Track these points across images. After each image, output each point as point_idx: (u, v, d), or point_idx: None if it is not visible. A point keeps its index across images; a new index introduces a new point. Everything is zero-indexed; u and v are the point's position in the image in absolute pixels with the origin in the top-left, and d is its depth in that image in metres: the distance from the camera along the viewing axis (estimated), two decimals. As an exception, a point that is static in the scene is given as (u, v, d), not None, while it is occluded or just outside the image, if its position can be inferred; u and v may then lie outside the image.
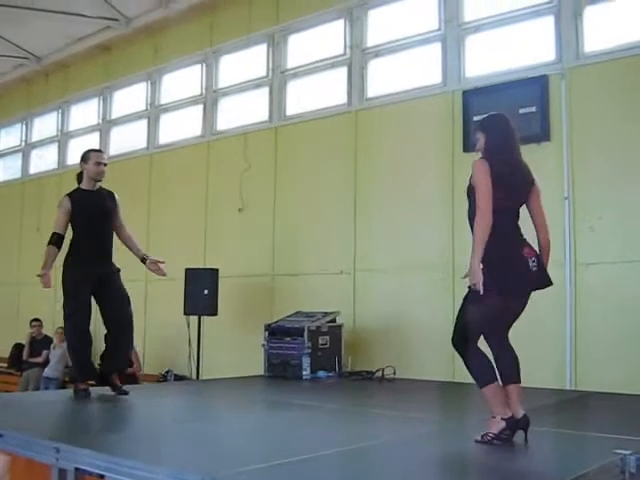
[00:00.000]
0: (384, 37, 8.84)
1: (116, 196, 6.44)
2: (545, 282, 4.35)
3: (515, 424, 4.01)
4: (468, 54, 8.11)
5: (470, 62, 8.09)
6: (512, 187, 4.27)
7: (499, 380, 4.11)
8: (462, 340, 4.23)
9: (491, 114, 4.57)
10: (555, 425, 4.93)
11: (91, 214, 6.15)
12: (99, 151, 6.50)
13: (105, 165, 6.33)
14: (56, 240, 6.09)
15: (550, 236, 4.43)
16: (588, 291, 6.99)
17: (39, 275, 5.96)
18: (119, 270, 6.34)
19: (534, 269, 4.19)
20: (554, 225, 7.10)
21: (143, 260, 6.43)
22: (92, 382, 6.24)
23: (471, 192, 4.27)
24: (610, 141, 7.07)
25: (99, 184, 6.33)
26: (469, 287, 4.18)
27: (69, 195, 6.21)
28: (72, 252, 6.11)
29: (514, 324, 4.35)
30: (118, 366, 6.38)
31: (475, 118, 7.74)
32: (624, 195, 6.99)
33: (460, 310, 4.33)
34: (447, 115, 8.06)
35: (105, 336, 6.26)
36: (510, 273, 4.13)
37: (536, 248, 4.32)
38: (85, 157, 6.31)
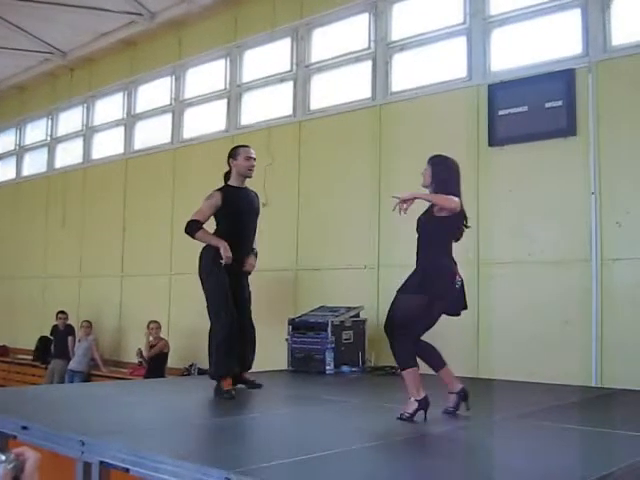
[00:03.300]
0: (409, 31, 8.78)
1: (260, 198, 6.42)
2: (462, 304, 5.02)
3: (426, 404, 4.64)
4: (494, 48, 8.03)
5: (496, 56, 8.02)
6: (457, 216, 4.93)
7: (418, 366, 4.77)
8: (391, 326, 4.85)
9: (443, 156, 5.29)
10: (581, 423, 4.89)
11: (241, 212, 6.10)
12: (247, 146, 6.32)
13: (255, 160, 6.23)
14: (198, 228, 5.93)
15: None
16: (614, 287, 6.92)
17: (225, 257, 5.77)
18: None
19: (457, 286, 4.87)
20: (580, 220, 7.12)
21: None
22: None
23: (422, 225, 4.98)
24: (638, 135, 6.99)
25: (247, 181, 6.26)
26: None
27: (221, 190, 6.09)
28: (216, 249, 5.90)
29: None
30: (243, 366, 6.25)
31: (500, 112, 7.70)
32: (652, 190, 6.92)
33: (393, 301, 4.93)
34: (472, 109, 8.00)
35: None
36: (442, 281, 4.80)
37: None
38: (234, 153, 6.22)
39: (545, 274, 7.33)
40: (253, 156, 6.21)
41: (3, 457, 1.25)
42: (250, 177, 6.26)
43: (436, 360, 4.96)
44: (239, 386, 6.10)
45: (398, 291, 4.90)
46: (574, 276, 7.15)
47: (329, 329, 7.77)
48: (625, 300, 6.85)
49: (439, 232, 4.91)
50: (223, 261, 5.77)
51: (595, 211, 7.04)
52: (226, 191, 6.08)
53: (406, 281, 4.88)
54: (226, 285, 5.90)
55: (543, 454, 3.81)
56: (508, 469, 3.53)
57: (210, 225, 6.20)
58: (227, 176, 6.26)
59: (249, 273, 6.23)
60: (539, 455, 3.77)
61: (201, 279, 6.02)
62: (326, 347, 7.78)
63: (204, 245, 6.01)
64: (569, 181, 7.33)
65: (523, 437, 4.39)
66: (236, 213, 6.05)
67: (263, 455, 3.68)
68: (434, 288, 4.75)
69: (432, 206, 4.93)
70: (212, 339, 5.99)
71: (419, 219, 5.02)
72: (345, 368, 7.79)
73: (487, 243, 7.68)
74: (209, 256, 5.91)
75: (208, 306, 5.98)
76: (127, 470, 3.53)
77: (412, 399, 4.64)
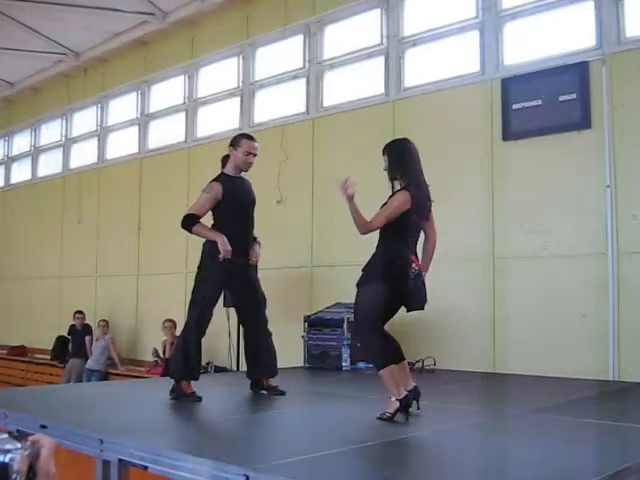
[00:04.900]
0: (421, 26, 8.76)
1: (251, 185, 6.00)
2: (420, 298, 4.88)
3: (407, 404, 4.49)
4: (506, 42, 8.01)
5: (508, 50, 7.99)
6: (419, 206, 4.84)
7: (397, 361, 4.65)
8: (357, 324, 4.84)
9: (396, 139, 5.20)
10: (598, 417, 4.88)
11: (240, 202, 5.72)
12: (252, 139, 5.81)
13: (255, 156, 5.78)
14: (195, 222, 5.51)
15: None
16: (631, 280, 6.88)
17: (223, 250, 5.40)
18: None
19: (411, 276, 4.71)
20: (595, 214, 7.09)
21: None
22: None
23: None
24: (653, 128, 6.96)
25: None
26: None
27: (220, 181, 5.66)
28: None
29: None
30: (263, 373, 5.97)
31: (514, 106, 7.68)
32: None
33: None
34: (486, 104, 7.98)
35: (244, 339, 5.97)
36: (396, 268, 4.70)
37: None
38: (236, 142, 5.77)
39: (561, 268, 7.30)
40: (254, 152, 5.76)
41: (19, 444, 1.27)
42: (246, 171, 5.88)
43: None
44: (262, 392, 5.90)
45: (357, 285, 4.81)
46: (590, 270, 7.12)
47: (345, 326, 7.79)
48: (642, 293, 6.82)
49: (396, 219, 4.77)
50: (221, 255, 5.45)
51: (610, 204, 7.01)
52: (225, 182, 5.67)
53: (362, 273, 4.84)
54: (215, 284, 5.64)
55: (559, 448, 3.80)
56: (523, 463, 3.53)
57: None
58: (225, 160, 5.89)
59: (256, 266, 5.86)
60: (555, 449, 3.77)
61: (198, 275, 5.75)
62: (342, 343, 7.79)
63: (204, 240, 5.71)
64: (584, 174, 7.31)
65: (538, 431, 4.38)
66: (236, 205, 5.68)
67: (281, 452, 3.70)
68: (389, 274, 4.66)
69: (391, 195, 4.88)
70: (181, 336, 5.82)
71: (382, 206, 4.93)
72: (361, 364, 7.79)
73: (502, 237, 7.67)
74: (206, 250, 5.62)
75: (190, 300, 5.77)
76: (145, 468, 3.56)
77: (393, 398, 4.48)
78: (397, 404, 4.46)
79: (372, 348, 4.72)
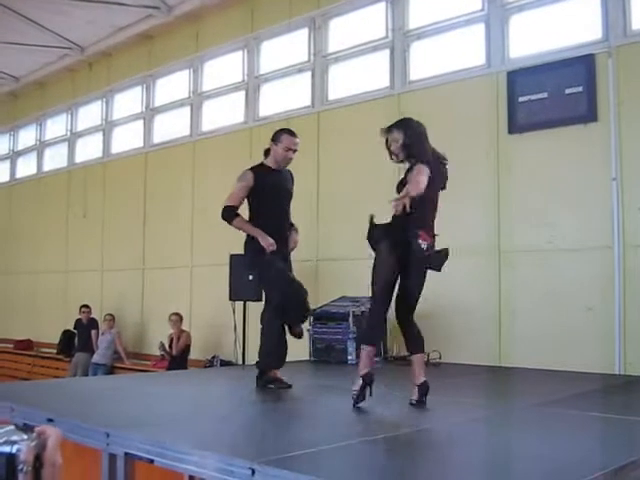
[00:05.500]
0: (426, 19, 8.74)
1: (294, 176, 6.04)
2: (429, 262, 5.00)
3: (370, 380, 4.72)
4: (512, 34, 7.99)
5: (514, 42, 7.97)
6: (434, 181, 4.86)
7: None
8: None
9: (410, 118, 5.21)
10: (603, 410, 4.87)
11: (274, 193, 5.73)
12: (293, 134, 5.83)
13: (295, 152, 5.83)
14: (235, 215, 5.62)
15: None
16: (637, 273, 6.87)
17: (266, 245, 5.48)
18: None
19: (422, 247, 4.90)
20: (602, 207, 7.07)
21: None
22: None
23: (401, 186, 4.78)
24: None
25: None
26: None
27: (253, 170, 5.73)
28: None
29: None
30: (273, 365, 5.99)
31: (520, 99, 7.66)
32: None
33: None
34: (491, 97, 7.96)
35: None
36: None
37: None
38: (276, 137, 5.82)
39: (567, 261, 7.29)
40: (294, 147, 5.80)
41: (25, 436, 1.28)
42: (285, 166, 5.91)
43: (414, 344, 4.95)
44: (269, 386, 5.89)
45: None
46: (596, 263, 7.11)
47: (350, 319, 7.79)
48: (648, 286, 6.81)
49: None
50: (268, 250, 5.49)
51: (616, 197, 6.99)
52: (258, 172, 5.72)
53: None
54: (283, 268, 5.67)
55: (564, 442, 3.79)
56: (529, 456, 3.52)
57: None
58: (267, 153, 5.91)
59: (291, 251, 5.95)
60: (560, 443, 3.76)
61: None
62: (347, 337, 7.79)
63: (246, 237, 5.75)
64: (590, 167, 7.29)
65: (544, 425, 4.37)
66: (269, 196, 5.69)
67: (288, 445, 3.69)
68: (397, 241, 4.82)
69: (407, 174, 4.84)
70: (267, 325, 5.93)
71: (399, 185, 4.89)
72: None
73: (508, 231, 7.66)
74: (254, 248, 5.62)
75: (267, 294, 5.79)
76: (152, 461, 3.56)
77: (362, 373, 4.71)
78: (361, 380, 4.69)
79: (370, 321, 5.05)
